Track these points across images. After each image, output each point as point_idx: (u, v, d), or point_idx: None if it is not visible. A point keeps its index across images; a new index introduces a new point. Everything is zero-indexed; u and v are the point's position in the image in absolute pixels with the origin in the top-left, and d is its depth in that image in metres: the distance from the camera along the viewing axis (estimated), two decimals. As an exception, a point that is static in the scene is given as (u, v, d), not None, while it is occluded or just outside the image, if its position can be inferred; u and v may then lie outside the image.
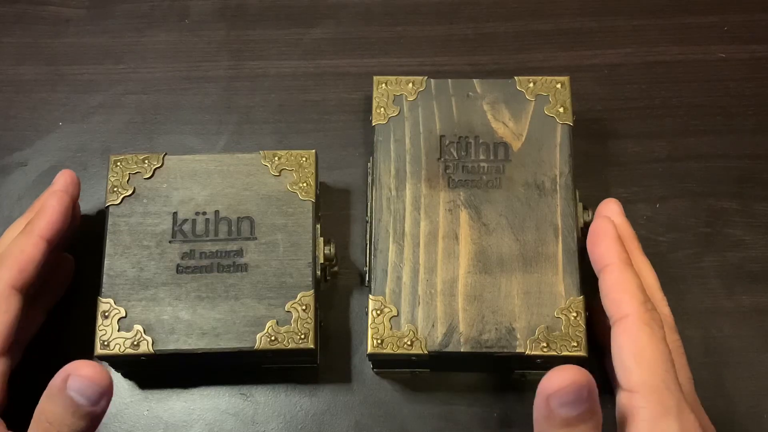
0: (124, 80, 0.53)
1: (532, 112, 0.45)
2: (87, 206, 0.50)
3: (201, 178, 0.44)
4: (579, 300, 0.41)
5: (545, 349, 0.40)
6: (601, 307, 0.39)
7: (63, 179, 0.43)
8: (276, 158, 0.45)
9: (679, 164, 0.50)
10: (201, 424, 0.44)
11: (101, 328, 0.41)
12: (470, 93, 0.46)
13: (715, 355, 0.45)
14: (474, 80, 0.46)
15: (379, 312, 0.41)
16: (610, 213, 0.43)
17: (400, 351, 0.40)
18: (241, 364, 0.44)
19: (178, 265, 0.42)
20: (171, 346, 0.41)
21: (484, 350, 0.40)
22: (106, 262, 0.43)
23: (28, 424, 0.34)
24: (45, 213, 0.41)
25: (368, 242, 0.44)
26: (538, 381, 0.33)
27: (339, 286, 0.47)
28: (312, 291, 0.42)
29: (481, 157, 0.44)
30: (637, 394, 0.35)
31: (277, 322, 0.41)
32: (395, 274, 0.42)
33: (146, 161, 0.44)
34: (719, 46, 0.53)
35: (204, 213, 0.43)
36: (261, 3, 0.55)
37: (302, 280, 0.42)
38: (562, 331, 0.40)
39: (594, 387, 0.33)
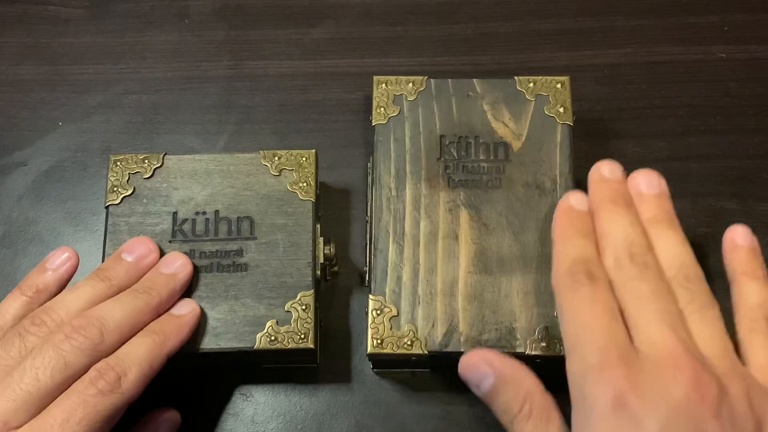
0: (124, 80, 0.53)
1: (532, 112, 0.45)
2: (87, 206, 0.50)
3: (201, 178, 0.44)
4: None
5: (545, 349, 0.40)
6: None
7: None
8: (276, 158, 0.45)
9: (679, 164, 0.50)
10: (200, 424, 0.44)
11: (101, 328, 0.41)
12: (470, 93, 0.46)
13: (715, 355, 0.45)
14: (474, 80, 0.46)
15: (379, 312, 0.41)
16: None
17: (400, 351, 0.40)
18: (241, 364, 0.44)
19: (178, 265, 0.42)
20: (171, 346, 0.41)
21: (484, 350, 0.40)
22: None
23: None
24: (182, 333, 0.39)
25: (368, 242, 0.44)
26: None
27: (339, 286, 0.47)
28: (312, 291, 0.42)
29: (481, 157, 0.44)
30: None
31: (277, 322, 0.41)
32: (395, 274, 0.42)
33: (146, 161, 0.44)
34: (719, 46, 0.53)
35: (204, 213, 0.43)
36: (261, 3, 0.55)
37: (302, 280, 0.42)
38: (562, 331, 0.40)
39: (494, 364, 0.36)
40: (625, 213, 0.39)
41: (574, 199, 0.40)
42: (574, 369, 0.34)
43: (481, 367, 0.37)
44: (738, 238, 0.40)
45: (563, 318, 0.36)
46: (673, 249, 0.38)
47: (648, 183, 0.41)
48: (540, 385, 0.36)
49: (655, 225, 0.39)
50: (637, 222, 0.39)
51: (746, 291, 0.38)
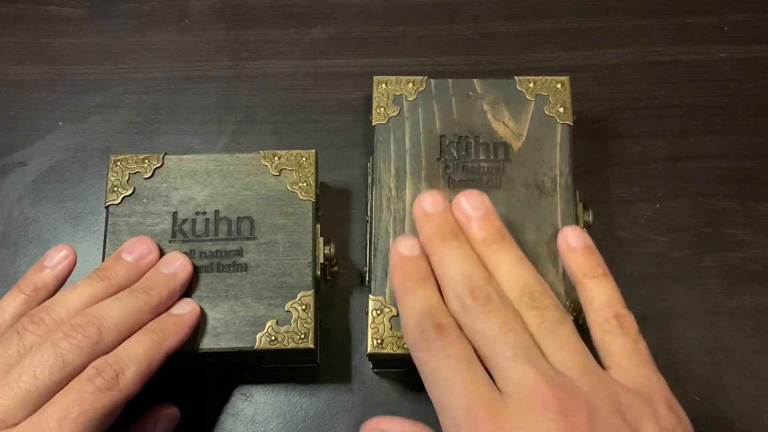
0: (124, 80, 0.53)
1: (532, 112, 0.45)
2: (87, 206, 0.50)
3: (201, 178, 0.44)
4: (579, 300, 0.41)
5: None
6: None
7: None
8: (276, 158, 0.45)
9: (679, 164, 0.50)
10: (201, 424, 0.44)
11: (101, 328, 0.41)
12: (470, 93, 0.46)
13: (715, 355, 0.45)
14: (474, 80, 0.46)
15: (379, 312, 0.41)
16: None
17: (400, 351, 0.40)
18: (241, 364, 0.44)
19: (178, 265, 0.42)
20: (171, 346, 0.41)
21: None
22: (106, 262, 0.43)
23: None
24: (181, 332, 0.39)
25: (368, 242, 0.44)
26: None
27: (339, 286, 0.47)
28: (312, 291, 0.42)
29: (481, 157, 0.44)
30: None
31: (277, 322, 0.41)
32: (395, 274, 0.42)
33: (146, 161, 0.44)
34: (719, 46, 0.53)
35: (204, 213, 0.43)
36: (261, 3, 0.55)
37: (302, 280, 0.42)
38: (562, 331, 0.40)
39: None
40: (456, 245, 0.38)
41: (403, 246, 0.39)
42: (448, 431, 0.34)
43: None
44: (572, 241, 0.40)
45: (424, 379, 0.36)
46: (512, 270, 0.38)
47: (472, 205, 0.40)
48: None
49: (488, 247, 0.39)
50: (470, 252, 0.38)
51: (591, 292, 0.38)
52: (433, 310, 0.36)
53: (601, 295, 0.38)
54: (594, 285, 0.38)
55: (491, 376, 0.34)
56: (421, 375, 0.36)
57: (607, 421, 0.32)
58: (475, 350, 0.35)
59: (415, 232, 0.43)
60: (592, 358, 0.35)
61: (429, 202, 0.40)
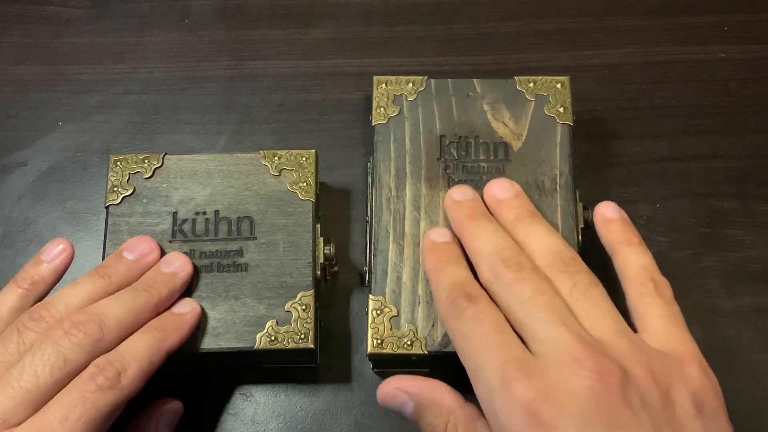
0: (124, 80, 0.53)
1: (532, 112, 0.45)
2: (87, 206, 0.50)
3: (201, 178, 0.44)
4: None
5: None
6: None
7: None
8: (276, 158, 0.45)
9: (679, 164, 0.50)
10: (200, 424, 0.44)
11: (101, 328, 0.41)
12: (470, 93, 0.46)
13: (715, 355, 0.45)
14: (474, 80, 0.46)
15: (379, 312, 0.41)
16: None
17: (400, 351, 0.40)
18: (241, 364, 0.44)
19: (178, 265, 0.42)
20: (171, 345, 0.41)
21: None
22: (106, 262, 0.43)
23: None
24: (182, 331, 0.39)
25: (368, 242, 0.44)
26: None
27: (339, 286, 0.47)
28: (312, 291, 0.42)
29: (481, 157, 0.44)
30: None
31: (277, 322, 0.41)
32: (395, 274, 0.42)
33: (146, 161, 0.44)
34: (719, 46, 0.53)
35: (204, 213, 0.43)
36: (261, 3, 0.55)
37: (302, 280, 0.42)
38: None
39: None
40: (487, 223, 0.40)
41: (434, 234, 0.41)
42: (481, 394, 0.34)
43: (397, 396, 0.37)
44: (608, 213, 0.41)
45: (457, 346, 0.36)
46: (543, 239, 0.39)
47: (502, 188, 0.42)
48: (459, 399, 0.37)
49: (519, 223, 0.40)
50: (500, 228, 0.40)
51: (628, 258, 0.39)
52: (464, 282, 0.37)
53: (637, 260, 0.39)
54: (631, 251, 0.39)
55: (523, 342, 0.35)
56: (454, 343, 0.37)
57: (640, 382, 0.33)
58: (507, 319, 0.36)
59: (414, 232, 0.43)
60: (624, 322, 0.36)
61: (458, 192, 0.42)
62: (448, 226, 0.42)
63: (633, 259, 0.39)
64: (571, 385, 0.32)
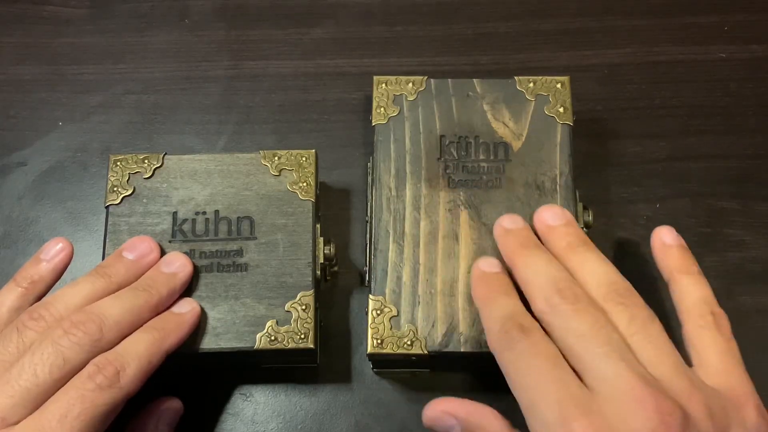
0: (124, 80, 0.53)
1: (532, 112, 0.45)
2: (87, 206, 0.50)
3: (201, 178, 0.44)
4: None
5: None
6: None
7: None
8: (276, 158, 0.45)
9: (679, 164, 0.50)
10: (200, 423, 0.44)
11: (101, 327, 0.41)
12: (470, 93, 0.46)
13: (715, 355, 0.45)
14: (474, 80, 0.46)
15: (379, 312, 0.41)
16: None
17: (400, 351, 0.40)
18: (241, 364, 0.44)
19: (178, 265, 0.42)
20: (171, 345, 0.41)
21: (484, 350, 0.40)
22: (106, 262, 0.43)
23: None
24: (182, 331, 0.39)
25: (368, 242, 0.44)
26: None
27: (339, 286, 0.47)
28: (312, 291, 0.42)
29: (481, 157, 0.44)
30: None
31: (277, 322, 0.41)
32: (395, 274, 0.42)
33: (146, 161, 0.44)
34: (719, 46, 0.53)
35: (204, 213, 0.43)
36: (261, 3, 0.55)
37: (302, 280, 0.42)
38: (562, 331, 0.40)
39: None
40: (539, 253, 0.39)
41: (484, 264, 0.40)
42: (536, 429, 0.33)
43: (444, 419, 0.37)
44: (666, 238, 0.40)
45: (510, 380, 0.35)
46: (597, 269, 0.38)
47: (553, 215, 0.41)
48: (505, 424, 0.36)
49: (572, 251, 0.39)
50: (553, 258, 0.38)
51: (687, 288, 0.38)
52: (516, 314, 0.36)
53: (697, 291, 0.38)
54: (690, 281, 0.38)
55: (579, 377, 0.34)
56: (506, 376, 0.35)
57: (699, 424, 0.32)
58: (561, 352, 0.35)
59: (414, 232, 0.43)
60: (681, 358, 0.35)
61: (508, 220, 0.41)
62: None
63: (692, 290, 0.38)
64: (632, 425, 0.32)
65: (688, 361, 0.36)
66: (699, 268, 0.39)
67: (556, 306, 0.36)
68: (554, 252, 0.39)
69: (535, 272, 0.38)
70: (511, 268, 0.39)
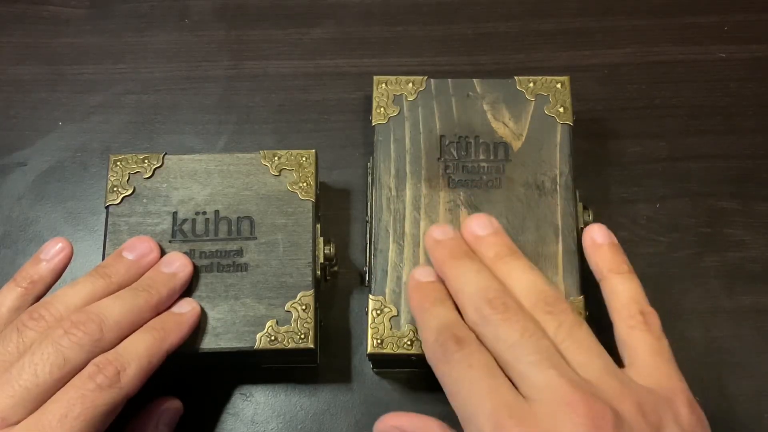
0: (124, 80, 0.53)
1: (532, 112, 0.45)
2: (87, 206, 0.50)
3: (201, 178, 0.44)
4: (579, 300, 0.41)
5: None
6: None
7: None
8: (276, 158, 0.45)
9: (679, 164, 0.50)
10: (200, 424, 0.44)
11: (101, 327, 0.41)
12: (470, 93, 0.46)
13: (715, 355, 0.45)
14: (474, 80, 0.46)
15: (379, 312, 0.41)
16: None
17: (400, 351, 0.40)
18: (241, 364, 0.44)
19: (178, 265, 0.42)
20: (171, 345, 0.41)
21: (484, 350, 0.40)
22: (106, 261, 0.43)
23: None
24: (182, 331, 0.39)
25: (368, 242, 0.44)
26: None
27: (339, 286, 0.47)
28: (312, 291, 0.42)
29: (481, 157, 0.44)
30: None
31: (277, 322, 0.41)
32: (395, 274, 0.42)
33: (146, 161, 0.44)
34: (719, 46, 0.53)
35: (204, 213, 0.43)
36: (261, 3, 0.55)
37: (302, 280, 0.42)
38: (562, 331, 0.40)
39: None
40: (469, 263, 0.39)
41: (418, 273, 0.40)
42: None
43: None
44: (597, 237, 0.40)
45: (447, 391, 0.36)
46: (525, 278, 0.38)
47: (481, 225, 0.41)
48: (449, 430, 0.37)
49: (500, 261, 0.39)
50: (483, 267, 0.39)
51: (617, 287, 0.38)
52: (452, 324, 0.37)
53: (626, 291, 0.38)
54: (620, 281, 0.39)
55: (513, 384, 0.34)
56: (443, 388, 0.36)
57: (631, 423, 0.33)
58: (496, 361, 0.35)
59: (414, 232, 0.43)
60: (611, 359, 0.36)
61: (438, 231, 0.41)
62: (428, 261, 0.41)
63: (622, 290, 0.38)
64: (566, 430, 0.32)
65: (619, 361, 0.36)
66: (630, 267, 0.39)
67: (487, 316, 0.36)
68: (484, 262, 0.39)
69: (465, 282, 0.38)
70: (443, 278, 0.39)
